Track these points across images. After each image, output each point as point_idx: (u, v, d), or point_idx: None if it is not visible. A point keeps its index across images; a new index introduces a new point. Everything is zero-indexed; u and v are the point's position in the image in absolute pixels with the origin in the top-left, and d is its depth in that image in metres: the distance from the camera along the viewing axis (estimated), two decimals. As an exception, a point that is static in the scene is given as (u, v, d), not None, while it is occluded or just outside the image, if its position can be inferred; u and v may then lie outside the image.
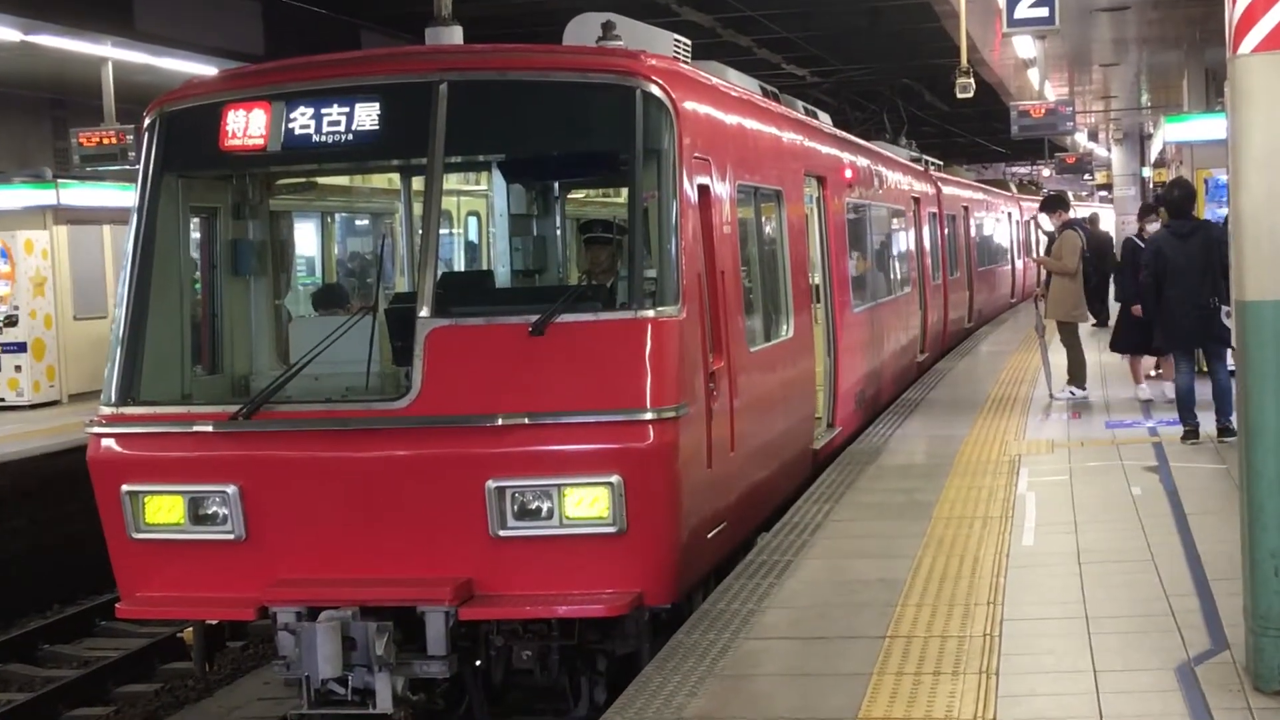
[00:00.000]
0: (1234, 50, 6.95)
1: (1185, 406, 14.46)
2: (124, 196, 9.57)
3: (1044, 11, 15.97)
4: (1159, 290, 14.49)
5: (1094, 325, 27.19)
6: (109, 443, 9.46)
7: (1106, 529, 10.88)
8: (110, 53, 22.04)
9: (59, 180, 23.31)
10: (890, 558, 10.22)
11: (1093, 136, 51.84)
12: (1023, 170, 66.96)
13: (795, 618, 8.95)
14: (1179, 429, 14.53)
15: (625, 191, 10.13)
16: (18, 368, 22.75)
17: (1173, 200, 14.93)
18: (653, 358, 8.94)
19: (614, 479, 8.72)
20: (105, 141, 22.74)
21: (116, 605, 9.70)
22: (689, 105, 9.83)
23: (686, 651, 8.31)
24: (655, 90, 9.38)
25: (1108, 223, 45.98)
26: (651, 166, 9.40)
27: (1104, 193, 70.16)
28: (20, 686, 14.38)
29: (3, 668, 14.91)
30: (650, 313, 9.01)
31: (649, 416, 8.79)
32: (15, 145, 27.21)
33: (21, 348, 22.71)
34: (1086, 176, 66.50)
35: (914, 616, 8.71)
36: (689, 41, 12.04)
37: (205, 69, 19.68)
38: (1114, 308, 20.89)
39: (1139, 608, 8.73)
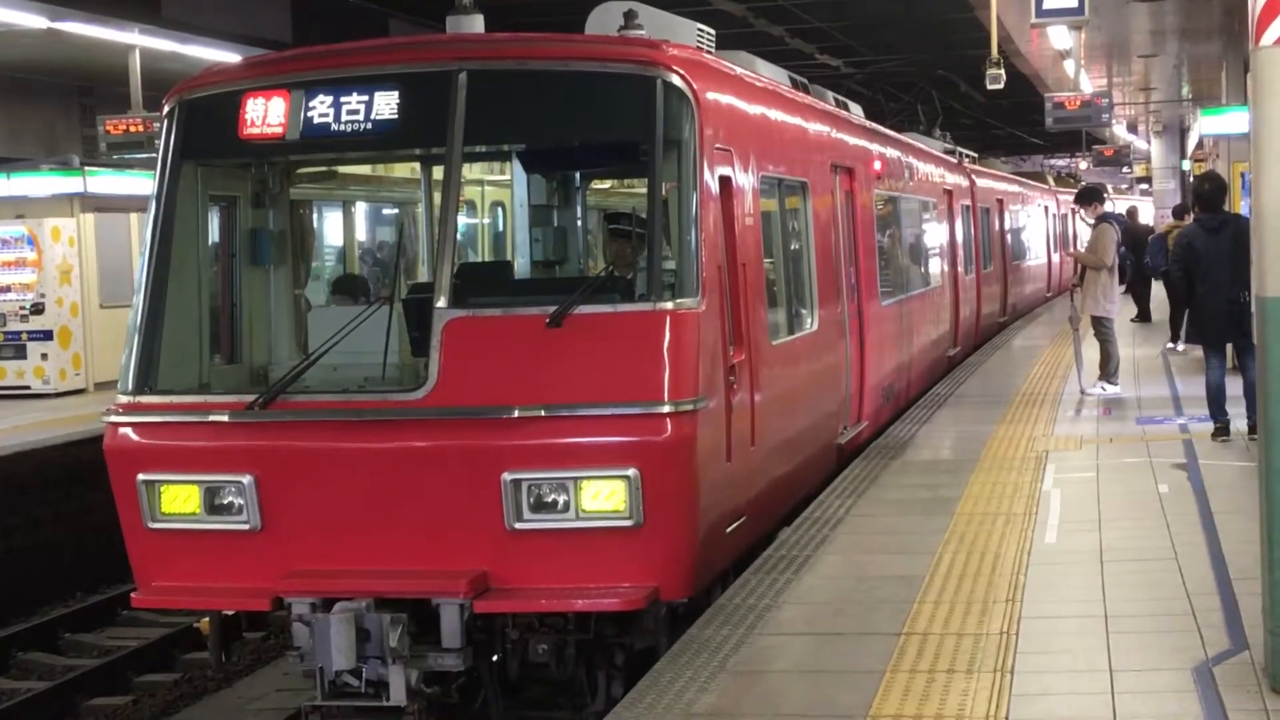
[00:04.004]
0: (1256, 42, 6.82)
1: (1216, 403, 14.31)
2: (151, 184, 9.62)
3: (1074, 2, 15.87)
4: (1190, 285, 14.34)
5: (1133, 320, 27.04)
6: (125, 431, 9.45)
7: (1131, 527, 10.77)
8: (137, 40, 22.07)
9: (86, 168, 23.31)
10: (910, 554, 10.13)
11: (1132, 129, 51.54)
12: (1060, 163, 66.56)
13: (811, 614, 8.87)
14: (1210, 426, 14.37)
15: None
16: (44, 355, 22.75)
17: (1203, 193, 14.72)
18: (671, 350, 8.85)
19: (631, 472, 8.64)
20: (132, 129, 22.68)
21: (132, 595, 9.69)
22: (711, 95, 9.74)
23: (700, 647, 8.25)
24: (676, 80, 9.29)
25: (1146, 215, 45.70)
26: (672, 157, 9.31)
27: (1143, 185, 69.84)
28: (40, 675, 14.41)
29: (24, 656, 14.93)
30: (669, 305, 8.93)
31: (667, 409, 8.71)
32: (43, 132, 27.25)
33: (48, 335, 22.71)
34: (1125, 169, 66.10)
35: (931, 614, 8.63)
36: (713, 31, 11.93)
37: (233, 57, 19.63)
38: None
39: (1159, 607, 8.64)
